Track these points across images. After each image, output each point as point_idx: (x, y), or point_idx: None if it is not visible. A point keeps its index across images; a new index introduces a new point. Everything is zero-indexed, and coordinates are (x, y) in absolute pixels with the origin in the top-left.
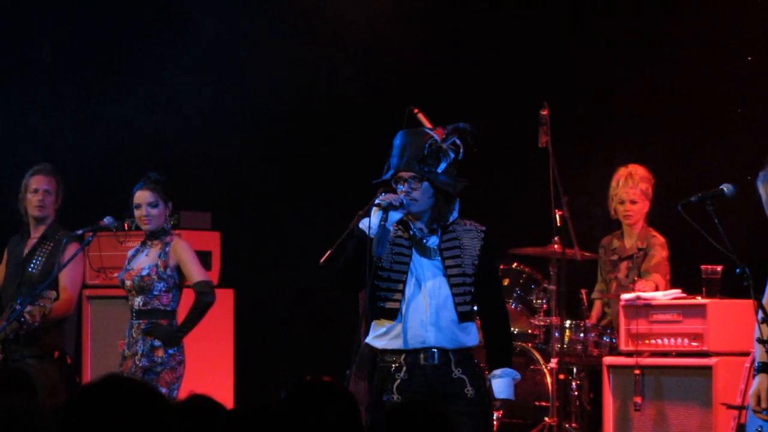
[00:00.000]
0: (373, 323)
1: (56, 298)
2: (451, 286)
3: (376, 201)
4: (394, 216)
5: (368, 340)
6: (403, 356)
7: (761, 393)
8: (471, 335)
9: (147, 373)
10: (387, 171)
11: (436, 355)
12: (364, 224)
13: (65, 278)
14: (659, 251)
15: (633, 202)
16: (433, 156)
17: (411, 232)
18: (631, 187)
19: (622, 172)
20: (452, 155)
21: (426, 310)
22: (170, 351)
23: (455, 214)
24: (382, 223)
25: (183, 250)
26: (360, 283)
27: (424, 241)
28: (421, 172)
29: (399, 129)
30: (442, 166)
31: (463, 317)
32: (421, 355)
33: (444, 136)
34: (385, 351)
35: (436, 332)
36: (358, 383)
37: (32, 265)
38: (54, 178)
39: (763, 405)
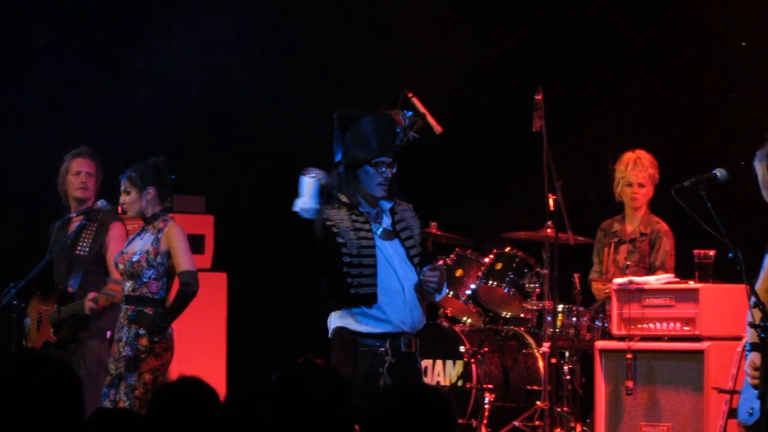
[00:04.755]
0: (343, 309)
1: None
2: (414, 267)
3: (314, 176)
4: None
5: (343, 324)
6: (387, 341)
7: (750, 369)
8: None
9: (131, 361)
10: (368, 153)
11: (411, 342)
12: (301, 205)
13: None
14: (665, 242)
15: (641, 186)
16: (400, 142)
17: (367, 217)
18: (640, 171)
19: (629, 156)
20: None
21: (402, 294)
22: (155, 339)
23: None
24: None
25: (175, 236)
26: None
27: (381, 223)
28: (395, 158)
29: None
30: None
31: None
32: (401, 340)
33: (405, 123)
34: (370, 335)
35: (412, 315)
36: (345, 368)
37: (80, 247)
38: (94, 161)
39: (752, 381)
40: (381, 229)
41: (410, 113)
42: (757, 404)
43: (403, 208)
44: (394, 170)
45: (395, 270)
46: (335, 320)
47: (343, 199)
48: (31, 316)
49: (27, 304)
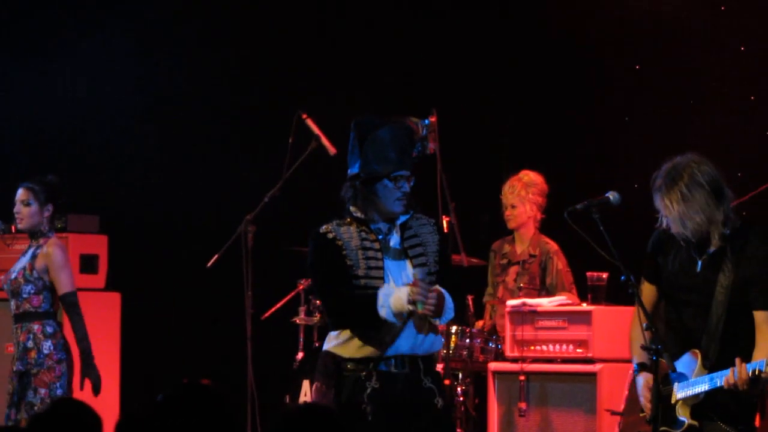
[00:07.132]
0: (341, 330)
1: None
2: None
3: (415, 305)
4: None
5: (329, 347)
6: (371, 364)
7: (645, 390)
8: (437, 339)
9: (22, 376)
10: (387, 166)
11: (406, 363)
12: (386, 299)
13: None
14: (555, 261)
15: (513, 207)
16: (417, 153)
17: (376, 234)
18: (510, 193)
19: (509, 180)
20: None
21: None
22: (45, 351)
23: None
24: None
25: (53, 254)
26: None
27: (389, 241)
28: (411, 170)
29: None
30: None
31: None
32: (392, 362)
33: (422, 133)
34: (351, 359)
35: (407, 339)
36: (326, 394)
37: None
38: None
39: (646, 403)
40: (390, 250)
41: (426, 121)
42: None
43: (421, 222)
44: (412, 183)
45: None
46: (325, 344)
47: (356, 213)
48: None
49: None
